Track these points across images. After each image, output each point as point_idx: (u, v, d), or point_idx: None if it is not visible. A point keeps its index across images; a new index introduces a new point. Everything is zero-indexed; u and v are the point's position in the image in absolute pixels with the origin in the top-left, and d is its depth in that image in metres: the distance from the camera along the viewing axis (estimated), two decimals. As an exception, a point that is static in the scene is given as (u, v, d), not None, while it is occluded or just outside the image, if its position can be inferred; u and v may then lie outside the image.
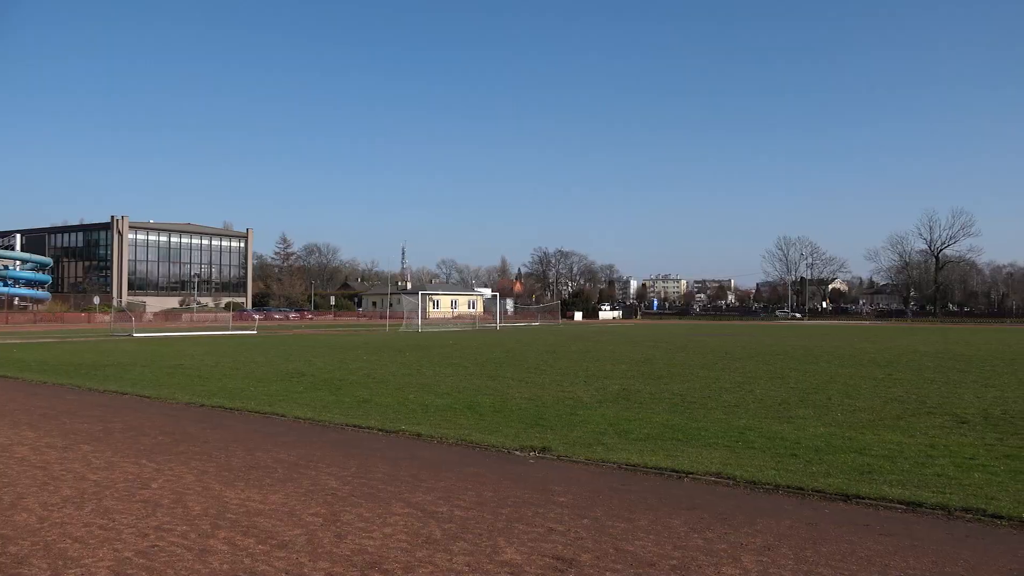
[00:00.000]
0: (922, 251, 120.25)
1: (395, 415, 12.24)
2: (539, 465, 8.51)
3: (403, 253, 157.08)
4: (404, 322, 63.46)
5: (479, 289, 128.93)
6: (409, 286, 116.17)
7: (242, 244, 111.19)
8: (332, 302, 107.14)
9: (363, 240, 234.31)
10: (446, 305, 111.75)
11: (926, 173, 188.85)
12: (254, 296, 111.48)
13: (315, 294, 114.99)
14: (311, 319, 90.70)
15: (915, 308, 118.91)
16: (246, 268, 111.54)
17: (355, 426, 11.18)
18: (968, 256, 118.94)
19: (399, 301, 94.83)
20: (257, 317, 75.18)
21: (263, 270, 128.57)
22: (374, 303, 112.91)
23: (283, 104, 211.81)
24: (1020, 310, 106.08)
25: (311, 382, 17.51)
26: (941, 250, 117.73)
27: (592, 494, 7.09)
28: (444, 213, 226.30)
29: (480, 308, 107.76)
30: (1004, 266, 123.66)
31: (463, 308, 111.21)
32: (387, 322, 65.89)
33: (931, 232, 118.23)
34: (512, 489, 7.27)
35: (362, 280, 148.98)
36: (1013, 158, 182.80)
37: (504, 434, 10.36)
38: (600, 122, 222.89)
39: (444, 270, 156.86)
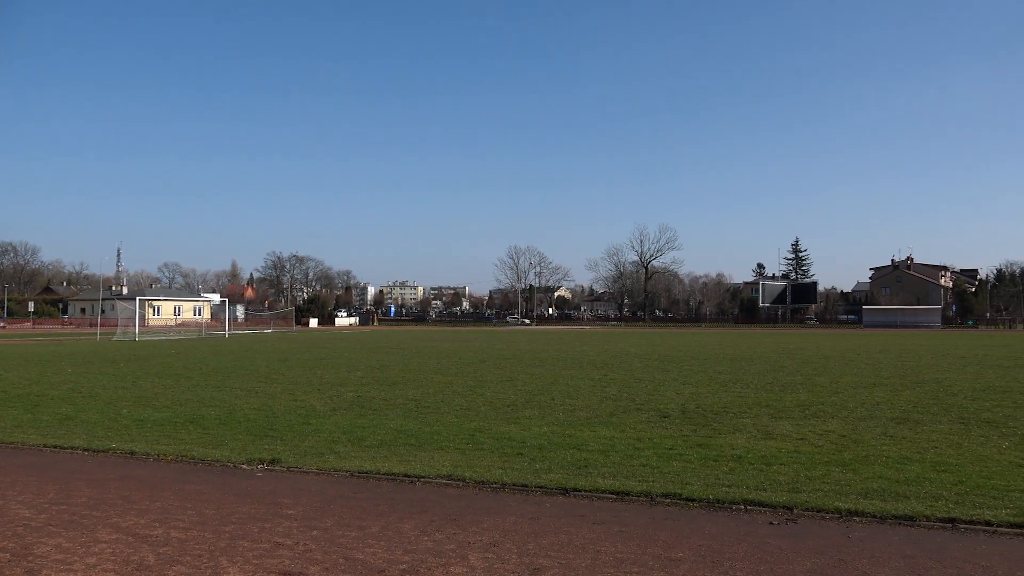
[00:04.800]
0: (634, 262, 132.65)
1: (105, 432, 11.15)
2: (267, 478, 8.18)
3: (118, 255, 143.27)
4: (119, 330, 58.03)
5: (206, 295, 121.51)
6: (125, 291, 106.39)
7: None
8: (31, 308, 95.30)
9: (69, 240, 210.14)
10: (168, 311, 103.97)
11: (638, 190, 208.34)
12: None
13: (9, 299, 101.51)
14: (3, 327, 80.00)
15: (628, 314, 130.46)
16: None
17: (55, 447, 10.01)
18: (672, 267, 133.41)
19: (113, 307, 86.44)
20: (-68, 326, 64.89)
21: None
22: (83, 310, 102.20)
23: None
24: (713, 315, 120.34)
25: (0, 399, 15.42)
26: (650, 261, 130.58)
27: (323, 504, 6.95)
28: (167, 212, 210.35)
29: (207, 315, 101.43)
30: (700, 276, 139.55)
31: (188, 315, 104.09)
32: (98, 330, 59.87)
33: (642, 245, 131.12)
34: (237, 505, 6.91)
35: (68, 284, 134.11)
36: (706, 182, 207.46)
37: (230, 447, 9.84)
38: (336, 125, 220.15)
39: (167, 274, 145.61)
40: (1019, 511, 6.49)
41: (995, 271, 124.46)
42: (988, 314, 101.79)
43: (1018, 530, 6.06)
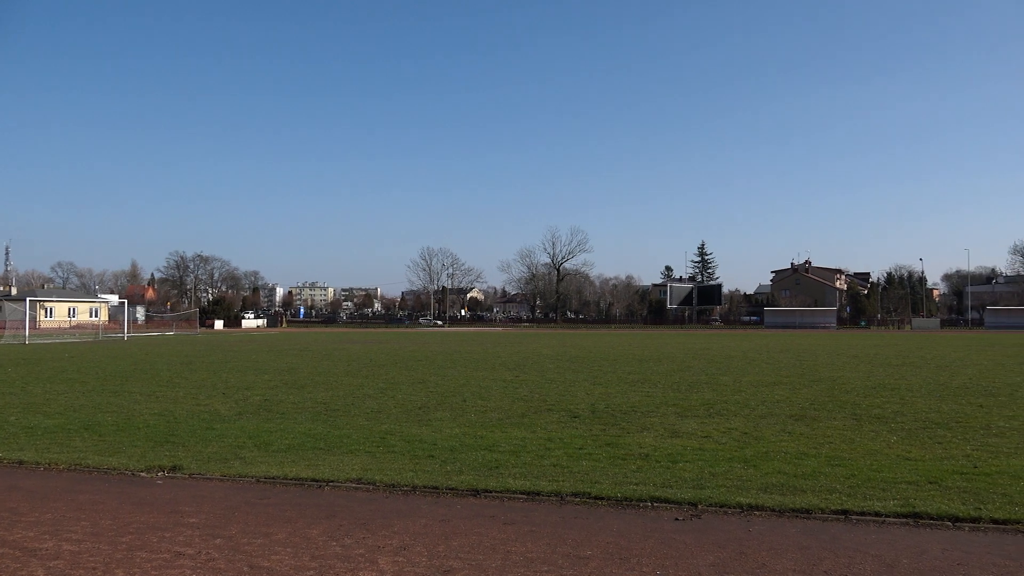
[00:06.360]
0: (546, 264, 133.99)
1: (-10, 441, 10.53)
2: (168, 486, 7.89)
3: (7, 253, 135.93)
4: (7, 333, 54.95)
5: (104, 295, 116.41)
6: (14, 291, 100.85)
7: None
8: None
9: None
10: (62, 313, 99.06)
11: (550, 192, 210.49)
12: None
13: None
14: None
15: (540, 315, 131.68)
16: None
17: (-66, 457, 9.40)
18: (583, 269, 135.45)
19: (0, 309, 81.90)
20: None
21: None
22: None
23: None
24: (622, 317, 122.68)
25: None
26: (562, 263, 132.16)
27: (227, 512, 6.75)
28: (60, 209, 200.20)
29: (105, 316, 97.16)
30: (610, 278, 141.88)
31: (84, 317, 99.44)
32: (-16, 333, 56.52)
33: (554, 247, 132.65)
34: (135, 514, 6.64)
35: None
36: (616, 185, 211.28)
37: (128, 455, 9.45)
38: (242, 123, 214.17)
39: (60, 274, 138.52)
40: (905, 502, 6.86)
41: (885, 275, 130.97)
42: (879, 315, 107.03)
43: (904, 520, 6.40)
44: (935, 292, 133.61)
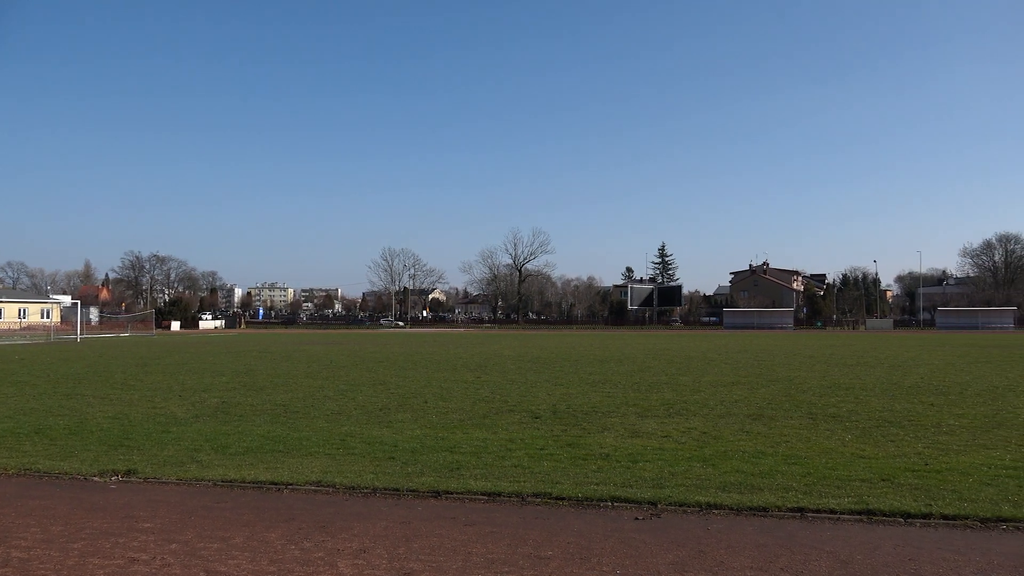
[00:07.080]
0: (508, 265, 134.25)
1: (-65, 446, 10.23)
2: (122, 490, 7.74)
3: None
4: (-46, 335, 53.45)
5: (56, 296, 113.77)
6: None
7: None
8: None
9: None
10: (12, 314, 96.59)
11: (512, 193, 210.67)
12: None
13: None
14: None
15: (501, 316, 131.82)
16: None
17: None
18: (544, 270, 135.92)
19: (-53, 310, 79.65)
20: None
21: None
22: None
23: None
24: (584, 317, 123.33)
25: None
26: (523, 264, 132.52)
27: (183, 516, 6.64)
28: (10, 207, 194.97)
29: (57, 318, 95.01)
30: (572, 279, 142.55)
31: (35, 318, 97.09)
32: (-71, 335, 54.91)
33: (516, 248, 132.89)
34: (87, 520, 6.50)
35: None
36: (578, 186, 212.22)
37: (81, 459, 9.25)
38: (198, 122, 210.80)
39: (10, 274, 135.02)
40: (859, 499, 6.99)
41: (841, 276, 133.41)
42: (835, 316, 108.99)
43: (858, 516, 6.53)
44: (888, 293, 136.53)
